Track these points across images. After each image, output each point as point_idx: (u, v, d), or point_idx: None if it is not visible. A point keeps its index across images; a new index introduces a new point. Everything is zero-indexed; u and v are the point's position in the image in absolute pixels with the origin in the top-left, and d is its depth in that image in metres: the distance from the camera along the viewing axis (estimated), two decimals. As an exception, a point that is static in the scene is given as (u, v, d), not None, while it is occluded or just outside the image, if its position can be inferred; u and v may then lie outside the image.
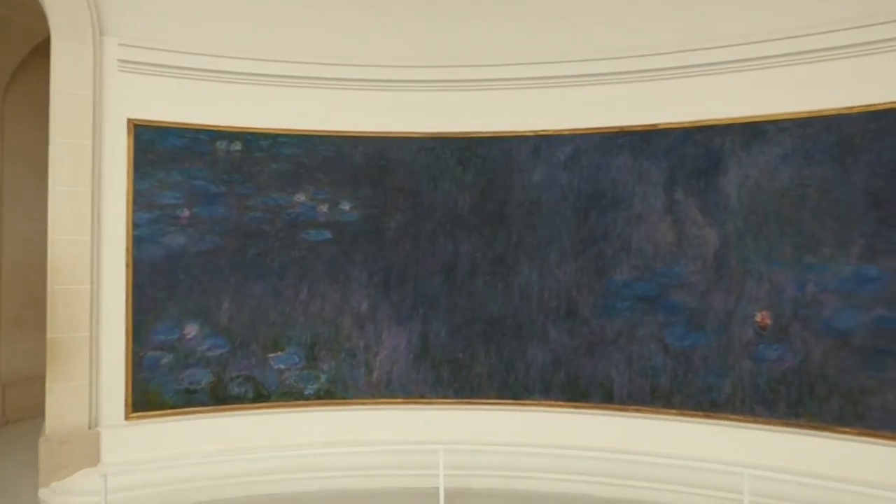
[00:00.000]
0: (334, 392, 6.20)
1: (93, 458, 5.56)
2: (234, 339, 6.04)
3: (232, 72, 6.08)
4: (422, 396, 6.22)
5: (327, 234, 6.21)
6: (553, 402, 6.10)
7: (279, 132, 6.17)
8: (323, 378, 6.17)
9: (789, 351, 5.44)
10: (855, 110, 5.27)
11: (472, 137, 6.29)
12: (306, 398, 6.17)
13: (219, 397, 5.99)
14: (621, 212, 6.04)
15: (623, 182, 6.06)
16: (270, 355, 6.09)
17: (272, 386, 6.10)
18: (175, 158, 5.92)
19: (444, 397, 6.22)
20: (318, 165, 6.23)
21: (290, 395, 6.15)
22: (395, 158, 6.32)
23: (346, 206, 6.25)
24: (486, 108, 6.23)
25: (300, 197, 6.21)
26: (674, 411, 5.78)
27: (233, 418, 6.04)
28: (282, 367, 6.12)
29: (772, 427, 5.48)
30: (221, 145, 6.07)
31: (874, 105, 5.20)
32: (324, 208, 6.23)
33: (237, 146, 6.09)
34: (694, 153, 5.83)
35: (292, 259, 6.16)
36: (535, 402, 6.14)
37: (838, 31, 5.28)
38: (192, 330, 5.93)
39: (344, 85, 6.24)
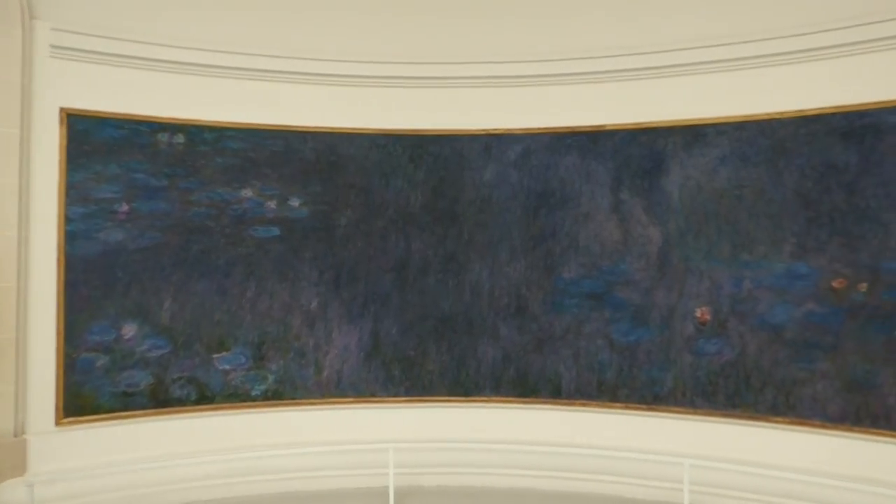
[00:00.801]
0: (283, 392, 5.75)
1: (19, 468, 4.91)
2: (177, 339, 5.50)
3: (175, 61, 5.56)
4: (373, 395, 5.86)
5: (276, 231, 5.75)
6: (503, 398, 5.87)
7: (225, 125, 5.68)
8: (271, 378, 5.71)
9: (727, 345, 5.39)
10: (787, 115, 5.28)
11: (424, 135, 5.98)
12: (253, 399, 5.69)
13: (159, 400, 5.43)
14: (569, 211, 5.87)
15: (571, 181, 5.89)
16: (215, 356, 5.58)
17: (217, 387, 5.59)
18: (113, 150, 5.34)
19: (396, 395, 5.88)
20: (267, 160, 5.77)
21: (236, 396, 5.65)
22: (346, 154, 5.93)
23: (295, 203, 5.81)
24: (439, 106, 5.95)
25: (247, 192, 5.73)
26: (619, 405, 5.65)
27: (174, 422, 5.51)
28: (227, 367, 5.62)
29: (711, 418, 5.42)
30: (163, 137, 5.52)
31: (805, 111, 5.22)
32: (272, 204, 5.77)
33: (180, 139, 5.56)
34: (639, 154, 5.72)
35: (239, 256, 5.67)
36: (486, 399, 5.89)
37: (772, 39, 5.28)
38: (130, 330, 5.36)
39: (293, 78, 5.82)
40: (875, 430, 4.96)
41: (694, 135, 5.61)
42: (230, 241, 5.71)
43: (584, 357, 5.82)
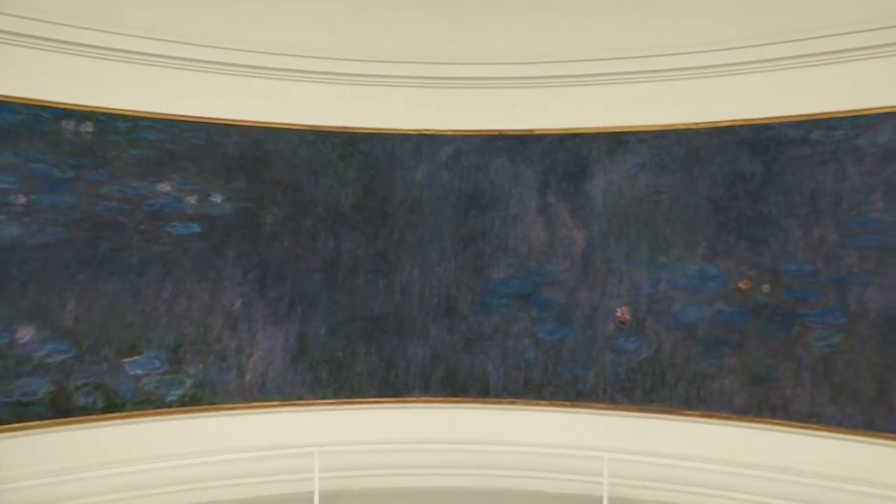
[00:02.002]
0: (202, 398, 5.07)
1: None
2: (82, 343, 4.71)
3: (82, 44, 4.79)
4: (299, 398, 5.30)
5: (196, 228, 5.07)
6: (432, 398, 5.49)
7: (140, 115, 4.95)
8: (188, 383, 5.02)
9: (645, 343, 5.27)
10: (701, 126, 5.21)
11: (354, 133, 5.48)
12: (169, 405, 4.99)
13: (61, 409, 4.64)
14: (499, 212, 5.57)
15: (501, 183, 5.59)
16: (126, 360, 4.84)
17: (127, 394, 4.85)
18: (7, 137, 4.50)
19: (323, 398, 5.35)
20: (186, 153, 5.07)
21: (149, 402, 4.93)
22: (272, 150, 5.32)
23: (217, 199, 5.15)
24: (369, 104, 5.48)
25: (164, 187, 5.01)
26: (544, 402, 5.41)
27: (78, 432, 4.75)
28: (139, 372, 4.89)
29: (629, 413, 5.31)
30: (68, 125, 4.72)
31: (717, 122, 5.19)
32: (192, 200, 5.08)
33: (88, 127, 4.77)
34: (565, 159, 5.51)
35: (154, 254, 4.95)
36: (415, 399, 5.49)
37: (689, 53, 5.23)
38: (26, 333, 4.54)
39: (216, 69, 5.18)
40: (775, 421, 5.01)
41: (616, 142, 5.47)
42: (145, 238, 4.97)
43: (512, 356, 5.54)
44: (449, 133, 5.66)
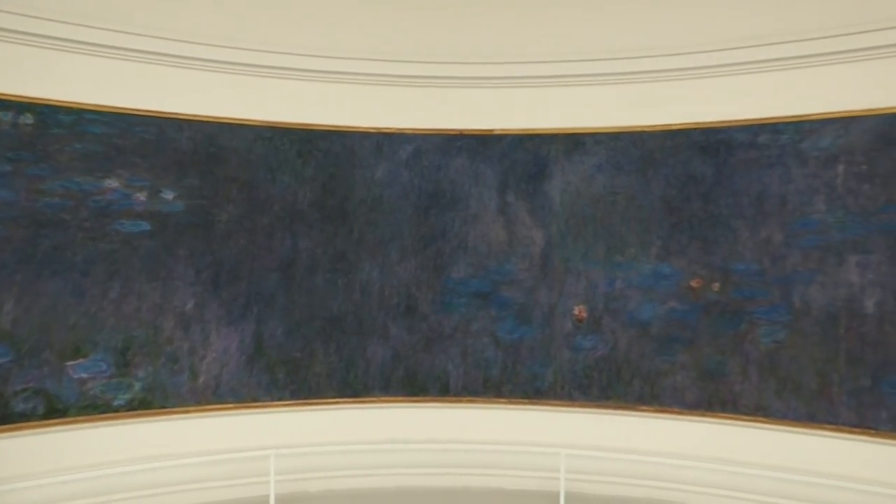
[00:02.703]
0: (151, 401, 4.73)
1: None
2: (20, 346, 4.33)
3: (20, 31, 4.38)
4: (255, 400, 5.01)
5: (145, 226, 4.72)
6: (392, 398, 5.28)
7: (86, 107, 4.56)
8: (137, 386, 4.67)
9: (601, 341, 5.20)
10: (656, 129, 5.17)
11: (313, 130, 5.22)
12: (116, 410, 4.63)
13: (-3, 416, 4.20)
14: (459, 211, 5.41)
15: (461, 183, 5.43)
16: (69, 363, 4.47)
17: (70, 398, 4.48)
18: (-62, 128, 4.03)
19: (280, 399, 5.07)
20: (136, 148, 4.72)
21: (94, 407, 4.57)
22: (227, 146, 5.01)
23: (168, 196, 4.81)
24: (328, 101, 5.22)
25: (112, 183, 4.64)
26: (503, 400, 5.28)
27: (16, 440, 4.32)
28: (84, 375, 4.52)
29: (586, 409, 5.24)
30: (5, 117, 4.33)
31: (670, 125, 5.16)
32: (141, 196, 4.73)
33: (28, 119, 4.38)
34: (524, 159, 5.39)
35: (101, 253, 4.58)
36: (375, 399, 5.27)
37: (643, 57, 5.18)
38: (-40, 337, 4.09)
39: (167, 61, 4.83)
40: (724, 414, 5.02)
41: (574, 143, 5.39)
42: (90, 237, 4.59)
43: (471, 355, 5.39)
44: (409, 132, 5.46)
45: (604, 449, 5.14)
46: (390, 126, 5.42)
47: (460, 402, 5.43)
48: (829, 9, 4.77)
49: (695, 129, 5.23)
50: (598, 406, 5.33)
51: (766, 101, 4.97)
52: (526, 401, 5.41)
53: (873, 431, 4.56)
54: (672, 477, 5.04)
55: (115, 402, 4.73)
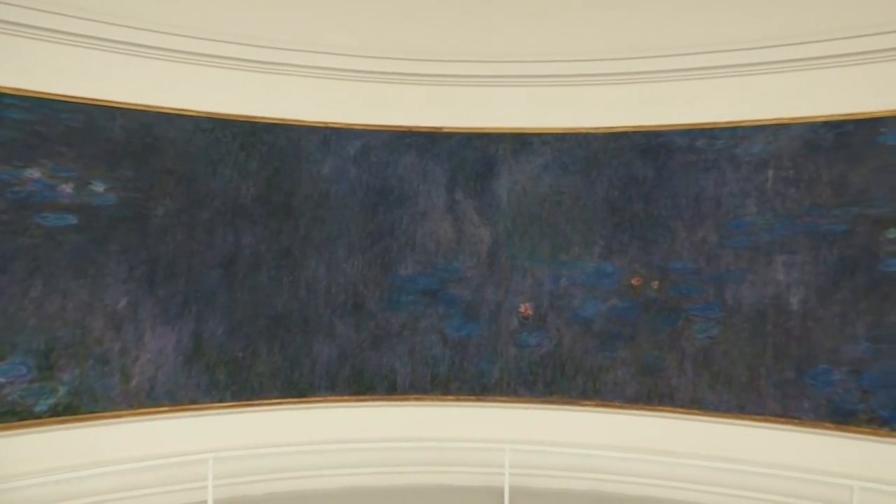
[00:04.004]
0: (78, 406, 4.25)
1: None
2: (-72, 349, 3.73)
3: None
4: (193, 402, 4.58)
5: (72, 220, 4.22)
6: (339, 397, 4.97)
7: (3, 91, 4.00)
8: (62, 390, 4.18)
9: (546, 337, 5.07)
10: (599, 131, 5.07)
11: (257, 122, 4.81)
12: (38, 416, 4.13)
13: None
14: (407, 209, 5.14)
15: (409, 180, 5.16)
16: (-16, 367, 3.90)
17: (-14, 405, 3.92)
18: None
19: (221, 401, 4.66)
20: (61, 137, 4.21)
21: (13, 413, 4.06)
22: (164, 137, 4.55)
23: (99, 188, 4.32)
24: (273, 93, 4.82)
25: (33, 173, 4.13)
26: (451, 397, 5.07)
27: (-77, 451, 3.73)
28: (1, 380, 3.97)
29: (531, 405, 5.10)
30: (-90, 98, 3.71)
31: (613, 128, 5.07)
32: (68, 188, 4.22)
33: (-64, 102, 3.78)
34: (473, 158, 5.18)
35: (21, 248, 4.06)
36: (321, 399, 4.94)
37: (589, 61, 5.06)
38: None
39: (96, 44, 4.33)
40: (662, 408, 4.98)
41: (522, 142, 5.22)
42: (7, 230, 4.05)
43: (419, 352, 5.14)
44: (357, 127, 5.15)
45: (547, 443, 5.01)
46: (338, 121, 5.08)
47: (408, 400, 5.17)
48: (760, 21, 4.79)
49: (636, 132, 5.16)
50: (542, 402, 5.20)
51: (704, 107, 4.95)
52: (473, 398, 5.22)
53: (797, 421, 4.62)
54: (612, 469, 4.97)
55: (37, 408, 4.21)
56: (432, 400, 5.14)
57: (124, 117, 4.45)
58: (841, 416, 4.46)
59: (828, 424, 4.49)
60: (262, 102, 4.82)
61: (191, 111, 4.63)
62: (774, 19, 4.68)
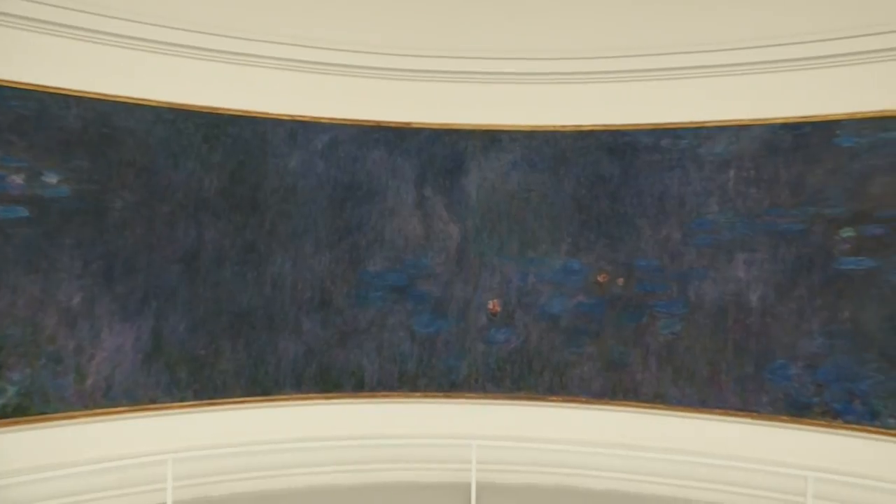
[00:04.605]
0: (29, 407, 4.01)
1: None
2: None
3: None
4: (152, 402, 4.38)
5: (23, 212, 3.97)
6: (305, 395, 4.81)
7: (-53, 75, 3.71)
8: (11, 391, 3.94)
9: (514, 334, 5.02)
10: (567, 129, 5.04)
11: (221, 114, 4.62)
12: (-15, 418, 3.85)
13: None
14: (376, 204, 5.01)
15: (378, 175, 5.04)
16: (-74, 367, 3.64)
17: (-71, 407, 3.66)
18: None
19: (182, 400, 4.47)
20: (11, 125, 3.96)
21: (-42, 416, 3.77)
22: (123, 127, 4.32)
23: (52, 179, 4.08)
24: (238, 84, 4.64)
25: (-20, 162, 3.84)
26: (418, 394, 4.98)
27: None
28: (-54, 380, 3.72)
29: (499, 401, 5.04)
30: None
31: (581, 126, 5.05)
32: (18, 179, 3.97)
33: None
34: (442, 154, 5.09)
35: (-34, 241, 3.77)
36: (287, 397, 4.78)
37: (556, 59, 5.03)
38: None
39: (51, 30, 4.08)
40: (627, 402, 4.99)
41: (491, 139, 5.15)
42: (-48, 222, 3.78)
43: (387, 349, 5.03)
44: (325, 121, 4.99)
45: (515, 439, 4.97)
46: (305, 114, 4.92)
47: (375, 397, 5.06)
48: (724, 25, 4.81)
49: (603, 130, 5.15)
50: (510, 397, 5.16)
51: (669, 107, 4.97)
52: (441, 394, 5.14)
53: (756, 414, 4.68)
54: (578, 463, 4.95)
55: (-15, 409, 3.95)
56: (400, 397, 5.04)
57: (79, 106, 4.21)
58: (797, 409, 4.53)
59: (784, 417, 4.56)
60: (226, 93, 4.63)
61: (152, 101, 4.41)
62: (738, 23, 4.72)
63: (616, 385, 5.02)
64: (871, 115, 4.34)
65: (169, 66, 4.47)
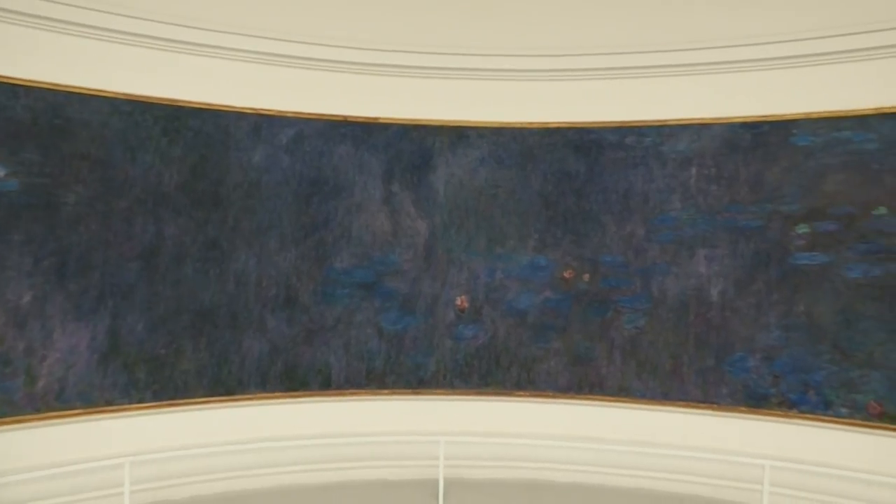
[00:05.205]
0: (-26, 411, 3.75)
1: None
2: None
3: None
4: (109, 404, 4.18)
5: (-33, 206, 3.70)
6: (270, 394, 4.66)
7: None
8: (-44, 395, 3.67)
9: (482, 329, 4.98)
10: (535, 126, 5.03)
11: (181, 106, 4.42)
12: (-78, 425, 3.59)
13: None
14: (342, 200, 4.89)
15: (345, 171, 4.92)
16: None
17: None
18: None
19: (141, 401, 4.27)
20: (-46, 114, 3.67)
21: None
22: (76, 119, 4.09)
23: (-1, 172, 3.82)
24: (200, 77, 4.45)
25: (-79, 153, 3.58)
26: (386, 391, 4.88)
27: None
28: None
29: (467, 397, 4.99)
30: None
31: (548, 123, 5.03)
32: (-38, 171, 3.71)
33: None
34: (409, 149, 5.00)
35: None
36: (251, 396, 4.62)
37: (524, 56, 4.99)
38: None
39: (-2, 15, 3.77)
40: (592, 396, 5.00)
41: (459, 135, 5.08)
42: None
43: (354, 346, 4.92)
44: (290, 115, 4.84)
45: (482, 434, 4.92)
46: (269, 107, 4.75)
47: (342, 395, 4.94)
48: (686, 25, 4.85)
49: (570, 128, 5.14)
50: (477, 393, 5.11)
51: (634, 106, 4.99)
52: (409, 391, 5.05)
53: (716, 406, 4.74)
54: (545, 457, 4.93)
55: (-78, 416, 3.69)
56: (367, 394, 4.93)
57: (29, 96, 3.96)
58: (755, 400, 4.60)
59: (743, 408, 4.63)
60: (187, 85, 4.43)
61: (107, 92, 4.19)
62: (699, 24, 4.76)
63: (582, 379, 5.02)
64: (826, 114, 4.43)
65: (126, 56, 4.26)
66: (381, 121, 4.96)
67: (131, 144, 4.14)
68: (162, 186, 4.16)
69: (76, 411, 4.07)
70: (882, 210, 4.26)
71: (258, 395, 4.63)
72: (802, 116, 4.47)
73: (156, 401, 4.30)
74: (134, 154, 4.20)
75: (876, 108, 4.26)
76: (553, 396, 5.00)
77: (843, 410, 4.29)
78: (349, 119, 4.90)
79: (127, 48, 4.26)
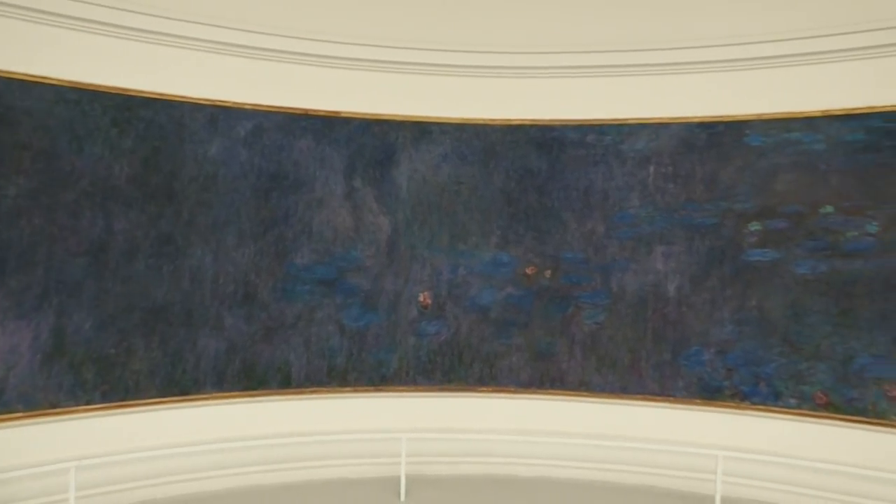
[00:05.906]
0: None
1: None
2: None
3: None
4: (54, 406, 3.93)
5: None
6: (227, 394, 4.48)
7: None
8: None
9: (444, 326, 4.91)
10: (497, 123, 4.98)
11: (132, 95, 4.18)
12: None
13: None
14: (303, 195, 4.73)
15: (305, 165, 4.76)
16: None
17: None
18: None
19: (88, 403, 4.04)
20: None
21: None
22: (18, 107, 3.83)
23: (-69, 161, 3.53)
24: (152, 65, 4.22)
25: None
26: (348, 389, 4.77)
27: None
28: None
29: (429, 393, 4.91)
30: None
31: (510, 120, 4.99)
32: None
33: None
34: (372, 144, 4.88)
35: None
36: (207, 396, 4.43)
37: (487, 53, 4.93)
38: None
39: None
40: (553, 391, 5.00)
41: (421, 131, 4.99)
42: None
43: (315, 344, 4.77)
44: (249, 107, 4.65)
45: (445, 430, 4.85)
46: (226, 99, 4.55)
47: (303, 393, 4.79)
48: (644, 25, 4.88)
49: (532, 125, 5.12)
50: (440, 389, 5.04)
51: (594, 104, 4.99)
52: (371, 388, 4.94)
53: (672, 399, 4.80)
54: (507, 452, 4.90)
55: None
56: (329, 392, 4.80)
57: (-36, 82, 3.68)
58: (709, 392, 4.67)
59: (697, 401, 4.69)
60: (138, 74, 4.20)
61: (52, 79, 3.92)
62: (657, 25, 4.79)
63: (543, 374, 5.01)
64: (777, 116, 4.51)
65: (72, 43, 4.00)
66: (342, 115, 4.83)
67: (78, 134, 3.89)
68: (112, 179, 3.93)
69: (17, 415, 3.81)
70: (829, 209, 4.37)
71: (215, 395, 4.43)
72: (755, 118, 4.54)
73: (105, 402, 4.07)
74: (81, 145, 3.95)
75: (824, 111, 4.36)
76: (515, 392, 4.97)
77: (792, 401, 4.39)
78: (310, 112, 4.75)
79: (73, 33, 4.01)
